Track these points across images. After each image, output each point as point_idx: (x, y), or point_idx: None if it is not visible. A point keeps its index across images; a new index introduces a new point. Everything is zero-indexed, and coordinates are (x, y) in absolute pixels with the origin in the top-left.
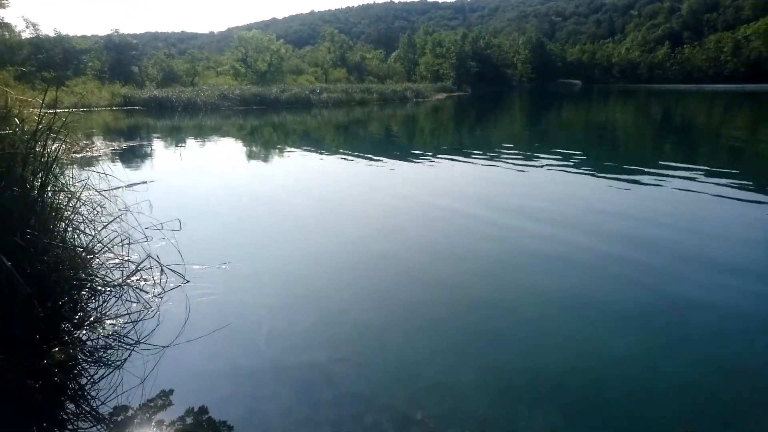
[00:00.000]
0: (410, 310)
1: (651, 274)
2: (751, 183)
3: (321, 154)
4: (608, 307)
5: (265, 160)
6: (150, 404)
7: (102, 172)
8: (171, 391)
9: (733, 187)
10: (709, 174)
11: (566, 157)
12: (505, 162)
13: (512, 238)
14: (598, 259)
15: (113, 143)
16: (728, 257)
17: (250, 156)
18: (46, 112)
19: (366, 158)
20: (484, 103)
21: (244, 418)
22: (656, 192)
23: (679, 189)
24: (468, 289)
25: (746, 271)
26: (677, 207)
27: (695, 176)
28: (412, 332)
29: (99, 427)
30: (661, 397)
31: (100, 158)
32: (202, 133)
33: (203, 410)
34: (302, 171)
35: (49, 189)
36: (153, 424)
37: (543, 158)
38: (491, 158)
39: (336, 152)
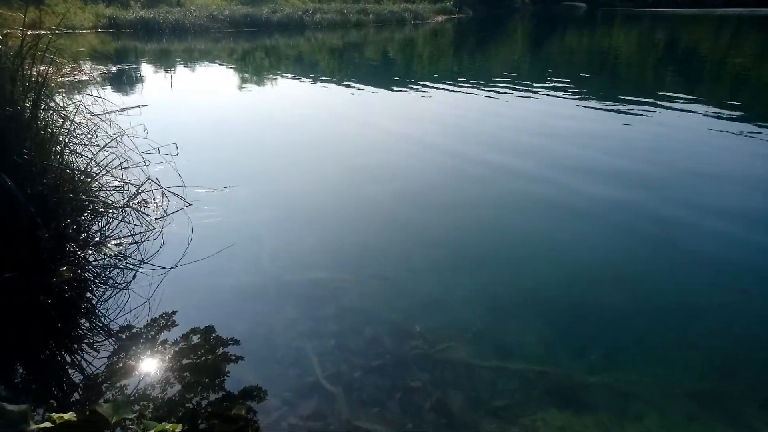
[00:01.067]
0: (406, 232)
1: (642, 205)
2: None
3: (316, 80)
4: (597, 233)
5: (258, 84)
6: (157, 321)
7: (94, 95)
8: (176, 310)
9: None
10: (710, 105)
11: (565, 87)
12: (505, 92)
13: (505, 168)
14: (590, 189)
15: (102, 67)
16: (724, 193)
17: (243, 81)
18: (29, 32)
19: (363, 85)
20: (485, 26)
21: (249, 331)
22: (653, 125)
23: (677, 123)
24: (462, 212)
25: (740, 208)
26: (672, 142)
27: (695, 108)
28: (409, 252)
29: (111, 341)
30: (647, 312)
31: (89, 82)
32: (193, 58)
33: (209, 327)
34: (297, 97)
35: (41, 110)
36: (161, 339)
37: (542, 88)
38: (492, 87)
39: (332, 79)
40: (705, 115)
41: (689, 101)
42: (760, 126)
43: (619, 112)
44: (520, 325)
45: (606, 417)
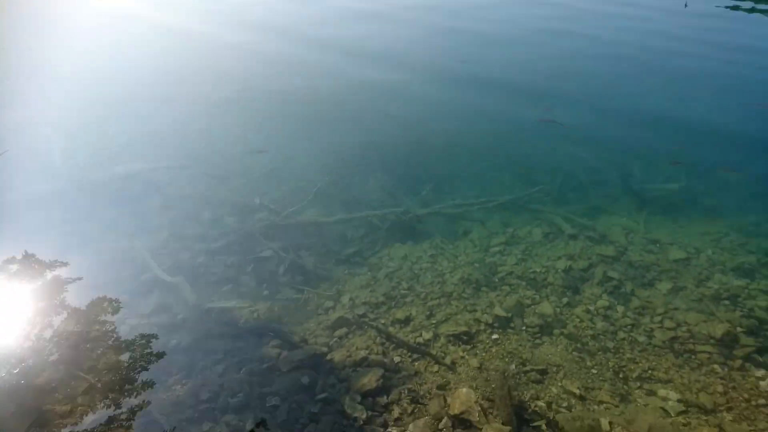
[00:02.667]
0: (232, 111)
1: (448, 64)
2: None
3: None
4: (421, 89)
5: None
6: None
7: None
8: None
9: None
10: None
11: None
12: None
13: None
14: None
15: None
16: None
17: None
18: None
19: None
20: None
21: (63, 244)
22: None
23: None
24: (292, 86)
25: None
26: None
27: None
28: (239, 130)
29: None
30: (465, 147)
31: None
32: None
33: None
34: None
35: None
36: None
37: None
38: None
39: None
40: None
41: None
42: None
43: None
44: (362, 177)
45: (439, 239)
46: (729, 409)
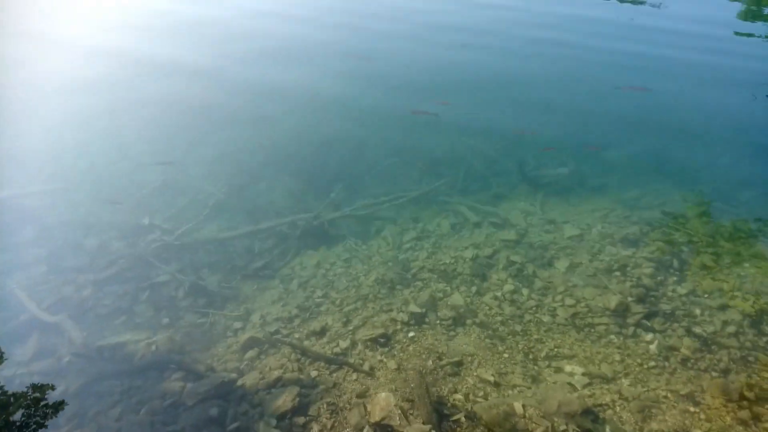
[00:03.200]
0: (114, 125)
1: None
2: None
3: None
4: (319, 90)
5: None
6: None
7: None
8: None
9: None
10: None
11: None
12: None
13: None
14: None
15: None
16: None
17: None
18: None
19: None
20: None
21: None
22: None
23: None
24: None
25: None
26: None
27: None
28: (121, 147)
29: None
30: (372, 146)
31: None
32: None
33: None
34: None
35: None
36: None
37: None
38: None
39: None
40: None
41: None
42: None
43: None
44: (267, 184)
45: (352, 241)
46: (626, 375)
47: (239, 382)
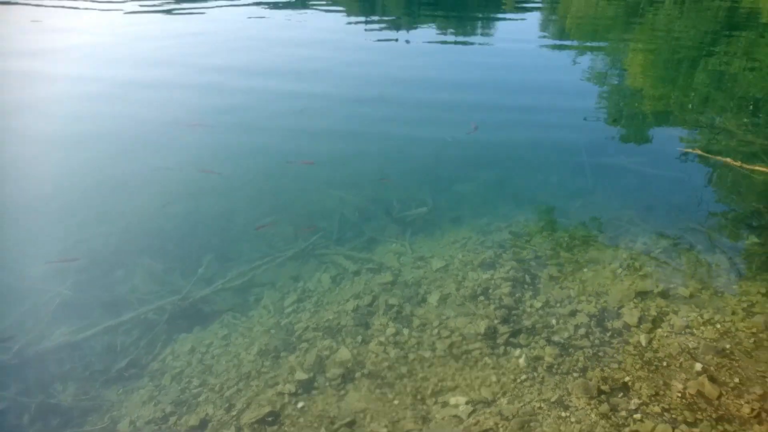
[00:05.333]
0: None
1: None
2: None
3: None
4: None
5: None
6: None
7: None
8: None
9: None
10: None
11: None
12: None
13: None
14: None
15: None
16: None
17: None
18: None
19: None
20: None
21: None
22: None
23: None
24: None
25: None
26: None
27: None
28: None
29: None
30: (238, 206)
31: None
32: None
33: None
34: None
35: None
36: None
37: None
38: None
39: None
40: None
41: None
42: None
43: None
44: (125, 269)
45: (230, 316)
46: (504, 394)
47: None
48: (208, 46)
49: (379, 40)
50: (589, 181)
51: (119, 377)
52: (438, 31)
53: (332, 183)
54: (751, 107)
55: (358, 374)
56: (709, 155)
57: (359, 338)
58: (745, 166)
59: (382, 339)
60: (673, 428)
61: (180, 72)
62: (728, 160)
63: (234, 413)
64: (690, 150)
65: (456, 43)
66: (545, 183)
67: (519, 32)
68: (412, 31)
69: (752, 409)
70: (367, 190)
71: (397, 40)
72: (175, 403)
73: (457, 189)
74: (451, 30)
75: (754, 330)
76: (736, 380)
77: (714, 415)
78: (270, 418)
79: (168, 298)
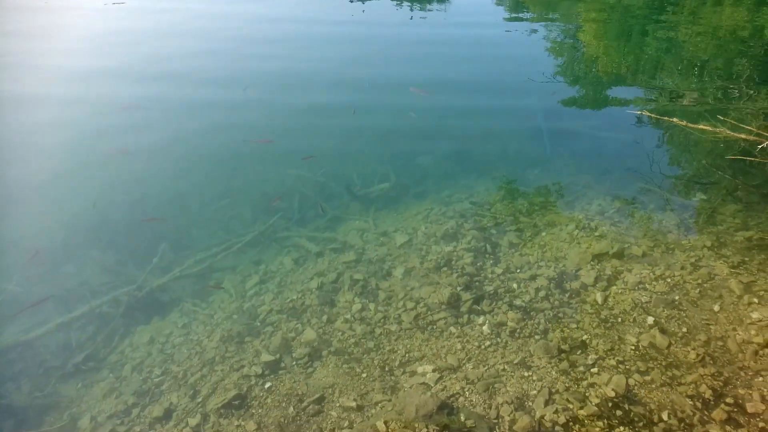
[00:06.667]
0: None
1: None
2: None
3: None
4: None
5: None
6: None
7: None
8: None
9: None
10: None
11: None
12: None
13: None
14: None
15: None
16: None
17: None
18: None
19: None
20: None
21: None
22: None
23: None
24: None
25: None
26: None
27: None
28: None
29: None
30: (192, 189)
31: None
32: None
33: None
34: None
35: None
36: None
37: None
38: None
39: None
40: None
41: None
42: None
43: None
44: (75, 263)
45: (190, 303)
46: (469, 360)
47: None
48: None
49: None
50: (547, 148)
51: (77, 372)
52: (393, 3)
53: (290, 162)
54: (696, 70)
55: (325, 352)
56: (660, 117)
57: (325, 317)
58: (690, 125)
59: (348, 316)
60: (627, 378)
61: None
62: (675, 120)
63: (199, 400)
64: (641, 113)
65: (411, 18)
66: (504, 152)
67: (475, 5)
68: (368, 3)
69: (697, 355)
70: (328, 168)
71: (352, 15)
72: (138, 393)
73: (419, 162)
74: (406, 3)
75: (699, 281)
76: (684, 330)
77: (664, 363)
78: (236, 402)
79: (123, 289)
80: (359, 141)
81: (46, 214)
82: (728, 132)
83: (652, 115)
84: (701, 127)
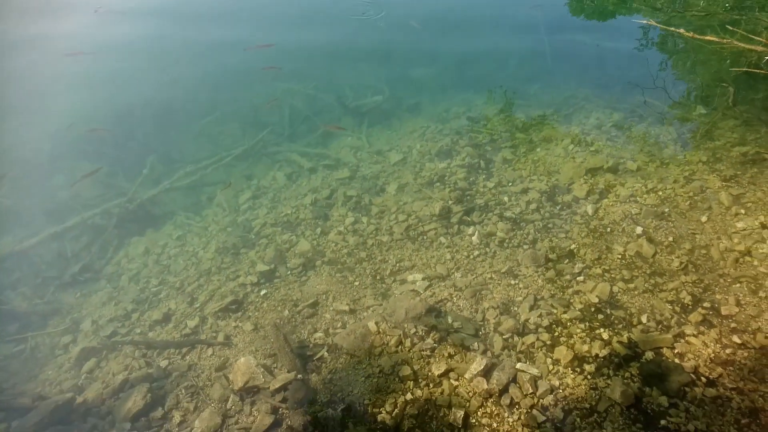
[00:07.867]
0: None
1: None
2: None
3: None
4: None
5: None
6: None
7: None
8: None
9: None
10: None
11: None
12: None
13: None
14: None
15: None
16: None
17: None
18: None
19: None
20: None
21: None
22: None
23: None
24: None
25: None
26: None
27: None
28: None
29: None
30: (181, 105)
31: None
32: None
33: None
34: None
35: None
36: None
37: None
38: None
39: None
40: None
41: None
42: None
43: None
44: (64, 174)
45: (183, 216)
46: (458, 269)
47: (79, 399)
48: None
49: None
50: (548, 61)
51: (74, 282)
52: None
53: (279, 75)
54: None
55: (318, 262)
56: (666, 27)
57: (318, 230)
58: (696, 36)
59: (341, 228)
60: (612, 286)
61: None
62: (681, 31)
63: (197, 306)
64: (646, 22)
65: None
66: (505, 65)
67: None
68: None
69: (681, 263)
70: (320, 81)
71: None
72: (136, 301)
73: (414, 75)
74: None
75: (690, 194)
76: (671, 239)
77: (648, 271)
78: (233, 306)
79: (113, 201)
80: (354, 54)
81: (30, 125)
82: (735, 42)
83: (660, 26)
84: (708, 38)
